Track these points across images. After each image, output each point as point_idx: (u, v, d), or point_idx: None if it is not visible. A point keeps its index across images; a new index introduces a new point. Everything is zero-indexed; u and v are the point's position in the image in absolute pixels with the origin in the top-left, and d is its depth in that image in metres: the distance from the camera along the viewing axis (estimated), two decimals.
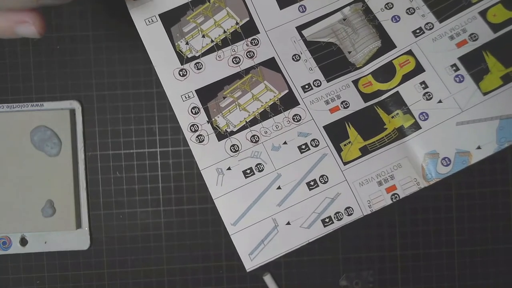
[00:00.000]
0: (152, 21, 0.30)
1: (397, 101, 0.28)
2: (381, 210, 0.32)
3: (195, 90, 0.29)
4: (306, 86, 0.29)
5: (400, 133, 0.28)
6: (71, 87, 0.32)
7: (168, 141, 0.32)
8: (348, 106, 0.28)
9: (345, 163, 0.28)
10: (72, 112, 0.31)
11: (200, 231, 0.32)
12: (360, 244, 0.32)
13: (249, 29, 0.30)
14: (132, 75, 0.32)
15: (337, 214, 0.27)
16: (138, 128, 0.32)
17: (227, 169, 0.27)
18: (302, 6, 0.30)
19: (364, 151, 0.28)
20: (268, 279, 0.31)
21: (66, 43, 0.32)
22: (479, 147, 0.27)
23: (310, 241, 0.27)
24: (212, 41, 0.29)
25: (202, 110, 0.28)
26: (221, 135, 0.28)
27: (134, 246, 0.32)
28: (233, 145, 0.28)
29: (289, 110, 0.28)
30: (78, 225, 0.31)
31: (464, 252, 0.32)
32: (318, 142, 0.28)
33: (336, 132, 0.28)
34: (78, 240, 0.31)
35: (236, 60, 0.29)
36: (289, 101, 0.28)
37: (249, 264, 0.26)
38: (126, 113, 0.32)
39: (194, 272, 0.32)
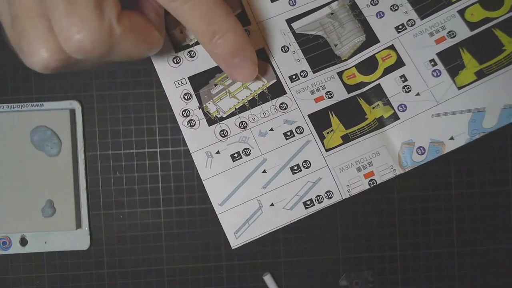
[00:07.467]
0: None
1: (378, 93, 0.29)
2: (382, 210, 0.32)
3: (188, 77, 0.30)
4: (293, 76, 0.30)
5: (380, 123, 0.29)
6: (71, 87, 0.32)
7: (168, 141, 0.32)
8: (332, 96, 0.30)
9: (327, 150, 0.29)
10: (72, 112, 0.31)
11: (200, 231, 0.32)
12: (360, 244, 0.32)
13: (241, 20, 0.30)
14: (132, 75, 0.32)
15: (318, 197, 0.28)
16: (138, 128, 0.32)
17: (216, 153, 0.29)
18: (292, 0, 0.31)
19: (345, 139, 0.29)
20: (268, 279, 0.31)
21: None
22: (452, 138, 0.28)
23: (292, 221, 0.28)
24: None
25: (194, 96, 0.29)
26: (211, 121, 0.29)
27: (134, 246, 0.32)
28: (222, 130, 0.29)
29: (276, 99, 0.29)
30: (78, 225, 0.31)
31: (464, 252, 0.32)
32: (303, 130, 0.29)
33: (319, 121, 0.29)
34: (78, 240, 0.31)
35: None
36: (276, 90, 0.30)
37: (234, 242, 0.28)
38: (126, 113, 0.32)
39: (194, 272, 0.32)
